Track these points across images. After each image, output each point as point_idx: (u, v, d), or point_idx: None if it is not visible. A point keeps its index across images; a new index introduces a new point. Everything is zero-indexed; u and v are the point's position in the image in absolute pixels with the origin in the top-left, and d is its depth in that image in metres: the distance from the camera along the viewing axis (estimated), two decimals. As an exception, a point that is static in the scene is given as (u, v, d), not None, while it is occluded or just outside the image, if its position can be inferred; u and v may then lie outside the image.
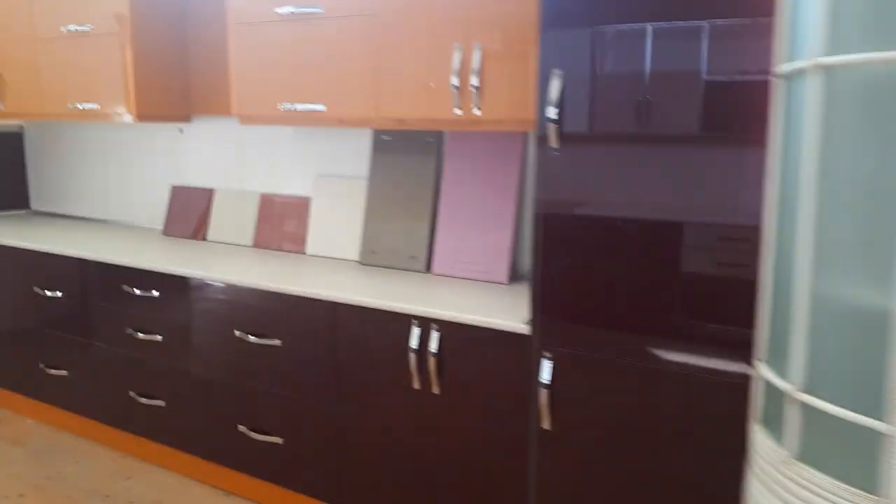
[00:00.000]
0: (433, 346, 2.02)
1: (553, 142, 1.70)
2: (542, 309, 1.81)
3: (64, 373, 3.01)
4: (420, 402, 2.08)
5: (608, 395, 1.76)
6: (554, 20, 1.68)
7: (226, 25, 2.95)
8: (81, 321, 2.91)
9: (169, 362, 2.65)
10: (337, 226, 2.77)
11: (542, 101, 1.71)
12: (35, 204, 3.91)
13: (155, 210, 3.40)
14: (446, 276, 2.44)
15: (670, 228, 1.62)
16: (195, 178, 3.23)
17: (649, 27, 1.57)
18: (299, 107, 2.43)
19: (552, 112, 1.68)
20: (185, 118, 3.12)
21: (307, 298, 2.25)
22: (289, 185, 2.96)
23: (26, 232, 3.27)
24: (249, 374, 2.44)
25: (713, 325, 1.59)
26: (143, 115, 2.90)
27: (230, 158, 3.12)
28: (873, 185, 0.92)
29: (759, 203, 1.49)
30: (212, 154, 3.17)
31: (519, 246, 2.41)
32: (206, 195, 3.15)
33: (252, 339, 2.40)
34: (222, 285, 2.45)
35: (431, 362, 2.02)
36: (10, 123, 3.77)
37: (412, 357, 2.05)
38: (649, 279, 1.66)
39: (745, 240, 1.53)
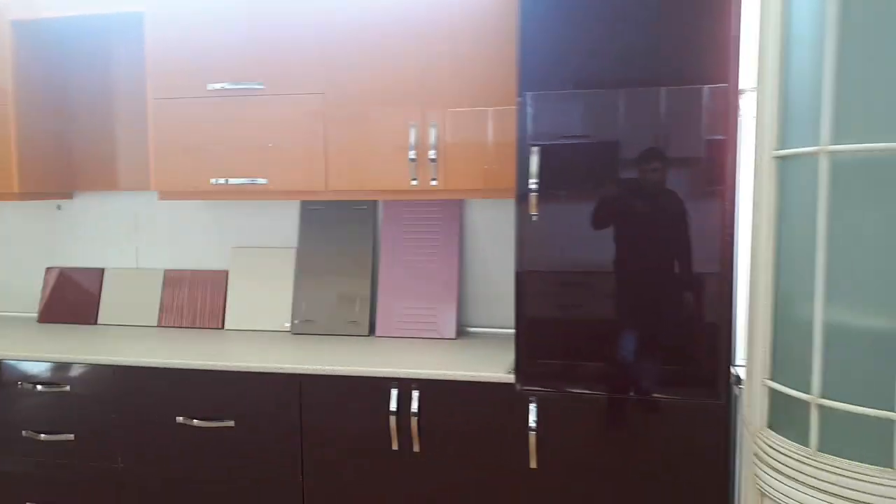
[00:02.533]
0: (414, 405, 2.10)
1: (532, 209, 1.94)
2: (526, 356, 2.01)
3: (-77, 496, 2.53)
4: (401, 462, 2.14)
5: (586, 426, 1.99)
6: (531, 86, 1.92)
7: (111, 98, 2.82)
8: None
9: (85, 462, 2.38)
10: (260, 297, 2.72)
11: (521, 171, 1.94)
12: None
13: (20, 296, 3.02)
14: (392, 336, 2.54)
15: (633, 278, 1.93)
16: (78, 259, 2.96)
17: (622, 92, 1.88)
18: (235, 181, 2.41)
19: (532, 183, 1.92)
20: (67, 194, 2.87)
21: (264, 374, 2.21)
22: (199, 260, 2.85)
23: None
24: (197, 462, 2.29)
25: (674, 361, 1.91)
26: (27, 191, 2.63)
27: (122, 235, 2.92)
28: (875, 239, 1.28)
29: (713, 252, 1.85)
30: (99, 231, 2.94)
31: (462, 302, 2.59)
32: (95, 276, 2.90)
33: (198, 423, 2.27)
34: (151, 369, 2.29)
35: (413, 422, 2.10)
36: None
37: (391, 419, 2.11)
38: (615, 323, 1.95)
39: (702, 286, 1.88)
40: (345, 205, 2.67)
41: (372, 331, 2.59)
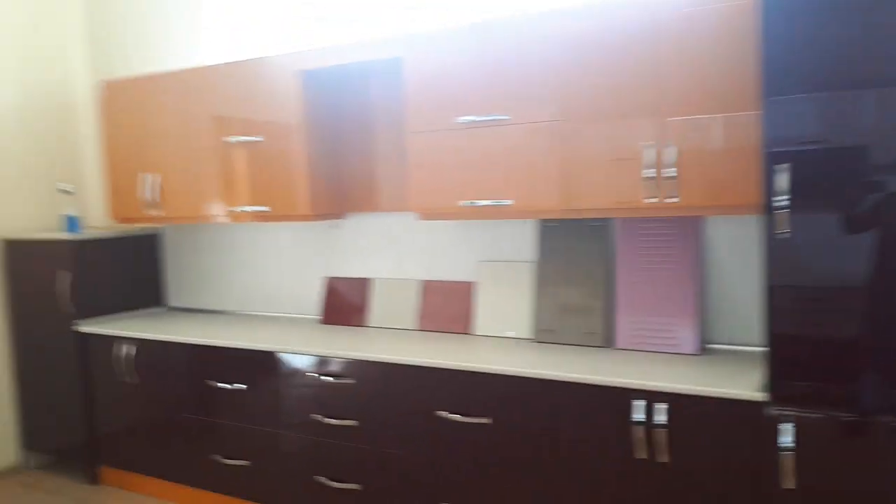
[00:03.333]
0: (661, 417, 2.18)
1: (781, 226, 1.91)
2: (778, 374, 1.98)
3: (244, 462, 3.15)
4: (646, 472, 2.23)
5: (844, 451, 1.92)
6: (774, 91, 1.89)
7: (373, 133, 3.23)
8: (262, 410, 3.07)
9: (364, 446, 2.80)
10: (505, 307, 2.96)
11: (767, 185, 1.92)
12: (172, 300, 4.12)
13: (303, 302, 3.60)
14: (630, 349, 2.62)
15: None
16: (350, 270, 3.45)
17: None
18: (481, 203, 2.66)
19: (781, 200, 1.89)
20: (342, 215, 3.36)
21: (518, 377, 2.43)
22: (450, 271, 3.17)
23: (187, 327, 3.47)
24: (455, 452, 2.59)
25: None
26: (315, 214, 3.14)
27: (385, 249, 3.34)
28: None
29: None
30: (366, 246, 3.39)
31: (703, 318, 2.59)
32: (364, 284, 3.36)
33: (457, 417, 2.56)
34: (418, 367, 2.63)
35: (659, 434, 2.18)
36: (150, 226, 4.02)
37: (637, 430, 2.21)
38: (877, 341, 1.85)
39: None
40: (580, 221, 2.81)
41: (609, 343, 2.70)
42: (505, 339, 2.92)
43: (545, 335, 2.81)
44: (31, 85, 4.02)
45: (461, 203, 2.71)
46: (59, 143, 4.17)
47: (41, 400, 3.85)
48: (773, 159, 1.91)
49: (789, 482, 1.97)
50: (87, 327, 3.63)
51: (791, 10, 1.87)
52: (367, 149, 3.27)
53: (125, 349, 3.47)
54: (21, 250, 3.82)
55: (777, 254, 1.95)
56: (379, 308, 3.29)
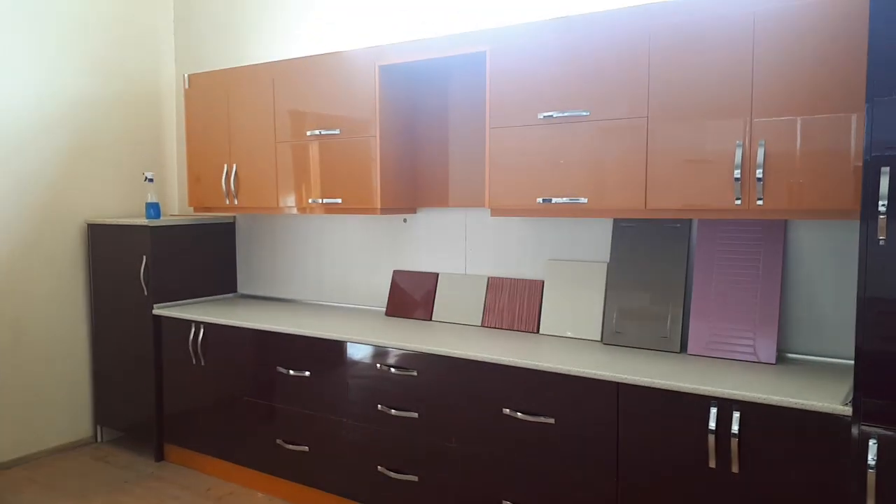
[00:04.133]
0: (735, 426, 2.11)
1: (881, 232, 1.83)
2: (867, 389, 1.89)
3: (304, 448, 3.20)
4: (717, 482, 2.16)
5: (939, 476, 1.81)
6: (881, 91, 1.80)
7: (446, 128, 3.25)
8: (326, 398, 3.12)
9: (424, 438, 2.80)
10: (573, 307, 2.92)
11: (867, 190, 1.84)
12: (242, 288, 4.23)
13: (370, 293, 3.64)
14: (705, 356, 2.55)
15: None
16: (418, 264, 3.47)
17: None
18: (557, 200, 2.64)
19: (882, 205, 1.81)
20: (412, 210, 3.39)
21: (584, 378, 2.39)
22: (518, 269, 3.15)
23: (256, 313, 3.55)
24: (517, 450, 2.57)
25: None
26: (386, 208, 3.18)
27: (453, 244, 3.35)
28: None
29: None
30: (435, 241, 3.41)
31: (783, 327, 2.50)
32: (431, 279, 3.37)
33: (521, 416, 2.54)
34: (480, 363, 2.62)
35: (733, 443, 2.11)
36: (224, 215, 4.14)
37: (710, 438, 2.14)
38: None
39: None
40: (658, 222, 2.75)
41: (683, 348, 2.63)
42: (572, 339, 2.88)
43: (614, 337, 2.76)
44: (122, 74, 4.21)
45: (536, 200, 2.69)
46: (145, 133, 4.35)
47: (116, 378, 4.01)
48: (876, 162, 1.83)
49: (871, 502, 1.87)
50: (162, 310, 3.75)
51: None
52: (441, 144, 3.29)
53: (196, 332, 3.57)
54: (104, 234, 3.99)
55: (874, 262, 1.85)
56: (444, 303, 3.30)
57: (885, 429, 1.86)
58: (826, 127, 2.14)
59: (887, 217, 1.82)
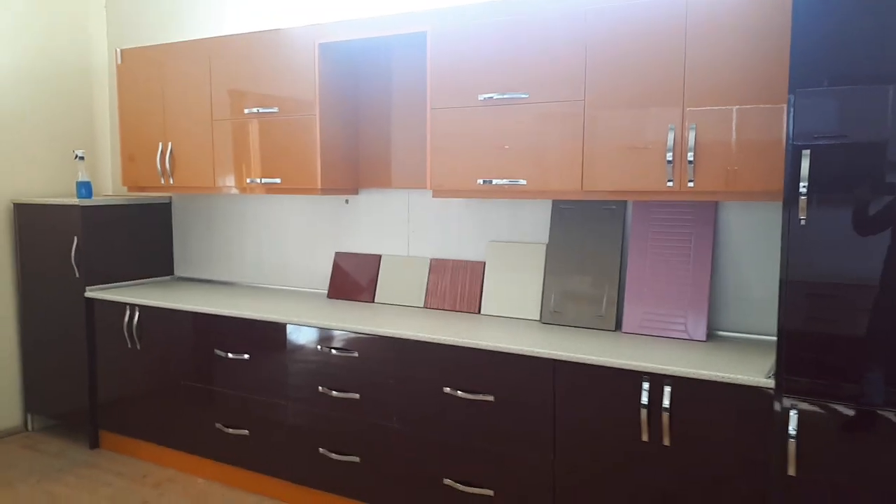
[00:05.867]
0: (666, 400, 2.18)
1: (801, 213, 1.91)
2: (788, 362, 1.98)
3: (245, 432, 3.16)
4: (650, 454, 2.23)
5: (851, 442, 1.91)
6: (803, 82, 1.88)
7: (389, 109, 3.23)
8: (266, 381, 3.08)
9: (366, 419, 2.81)
10: (513, 288, 2.96)
11: (791, 173, 1.91)
12: (178, 270, 4.12)
13: (311, 276, 3.60)
14: (639, 334, 2.62)
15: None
16: (360, 246, 3.45)
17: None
18: (497, 182, 2.66)
19: (802, 186, 1.89)
20: (354, 190, 3.36)
21: (522, 356, 2.43)
22: (460, 250, 3.17)
23: (194, 296, 3.47)
24: (458, 429, 2.59)
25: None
26: (327, 188, 3.14)
27: (395, 226, 3.34)
28: None
29: None
30: (377, 223, 3.39)
31: (713, 305, 2.59)
32: (373, 260, 3.36)
33: (461, 394, 2.56)
34: (420, 343, 2.63)
35: (664, 417, 2.18)
36: (160, 195, 4.02)
37: (643, 412, 2.21)
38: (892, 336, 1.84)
39: None
40: (595, 204, 2.80)
41: (618, 326, 2.70)
42: (512, 319, 2.92)
43: (553, 317, 2.81)
44: (50, 50, 4.02)
45: (477, 181, 2.70)
46: (75, 110, 4.17)
47: (46, 363, 3.86)
48: (797, 148, 1.90)
49: (791, 469, 1.97)
50: (95, 293, 3.63)
51: (822, 4, 1.86)
52: (384, 124, 3.27)
53: (131, 316, 3.48)
54: (32, 214, 3.82)
55: (796, 241, 1.94)
56: (387, 285, 3.29)
57: (804, 401, 1.96)
58: (755, 115, 2.21)
59: (808, 198, 1.90)
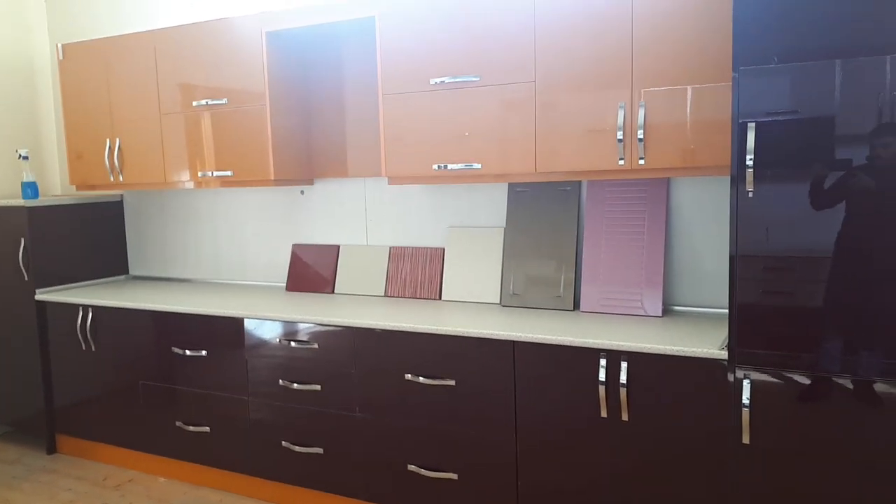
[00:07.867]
0: (623, 376, 2.20)
1: (749, 185, 1.94)
2: (740, 331, 2.01)
3: (206, 429, 3.11)
4: (610, 430, 2.26)
5: (802, 410, 1.96)
6: (746, 60, 1.91)
7: (342, 96, 3.19)
8: (226, 377, 3.03)
9: (328, 410, 2.78)
10: (473, 272, 2.96)
11: (737, 147, 1.94)
12: (133, 269, 4.03)
13: (269, 269, 3.55)
14: (597, 312, 2.64)
15: (858, 260, 1.85)
16: (318, 237, 3.41)
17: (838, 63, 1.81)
18: (453, 167, 2.65)
19: (749, 159, 1.92)
20: (309, 181, 3.32)
21: (482, 339, 2.43)
22: (419, 238, 3.15)
23: (149, 294, 3.40)
24: (420, 414, 2.59)
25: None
26: (280, 179, 3.09)
27: (353, 216, 3.31)
28: None
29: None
30: (334, 213, 3.35)
31: (668, 281, 2.63)
32: (332, 251, 3.33)
33: (423, 380, 2.56)
34: (380, 331, 2.62)
35: (622, 392, 2.21)
36: (111, 193, 3.92)
37: (601, 389, 2.23)
38: (838, 306, 1.89)
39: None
40: (550, 186, 2.81)
41: (577, 306, 2.72)
42: (472, 303, 2.92)
43: (512, 299, 2.82)
44: (-14, 44, 3.88)
45: (432, 167, 2.68)
46: (17, 108, 4.03)
47: (-3, 369, 3.75)
48: (741, 124, 1.93)
49: (746, 438, 2.02)
50: (45, 295, 3.53)
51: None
52: (337, 113, 3.23)
53: (84, 317, 3.39)
54: (-25, 215, 3.69)
55: (744, 213, 1.97)
56: (346, 275, 3.27)
57: (757, 370, 2.00)
58: (706, 93, 2.23)
59: (755, 171, 1.93)
